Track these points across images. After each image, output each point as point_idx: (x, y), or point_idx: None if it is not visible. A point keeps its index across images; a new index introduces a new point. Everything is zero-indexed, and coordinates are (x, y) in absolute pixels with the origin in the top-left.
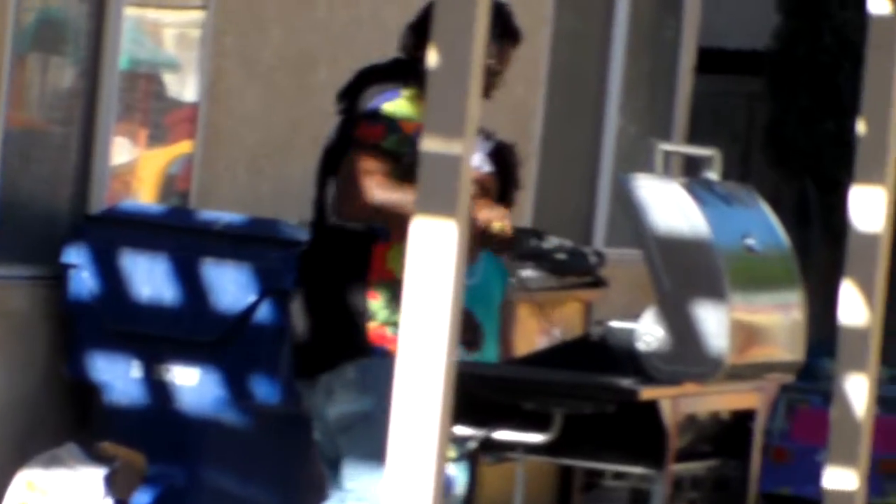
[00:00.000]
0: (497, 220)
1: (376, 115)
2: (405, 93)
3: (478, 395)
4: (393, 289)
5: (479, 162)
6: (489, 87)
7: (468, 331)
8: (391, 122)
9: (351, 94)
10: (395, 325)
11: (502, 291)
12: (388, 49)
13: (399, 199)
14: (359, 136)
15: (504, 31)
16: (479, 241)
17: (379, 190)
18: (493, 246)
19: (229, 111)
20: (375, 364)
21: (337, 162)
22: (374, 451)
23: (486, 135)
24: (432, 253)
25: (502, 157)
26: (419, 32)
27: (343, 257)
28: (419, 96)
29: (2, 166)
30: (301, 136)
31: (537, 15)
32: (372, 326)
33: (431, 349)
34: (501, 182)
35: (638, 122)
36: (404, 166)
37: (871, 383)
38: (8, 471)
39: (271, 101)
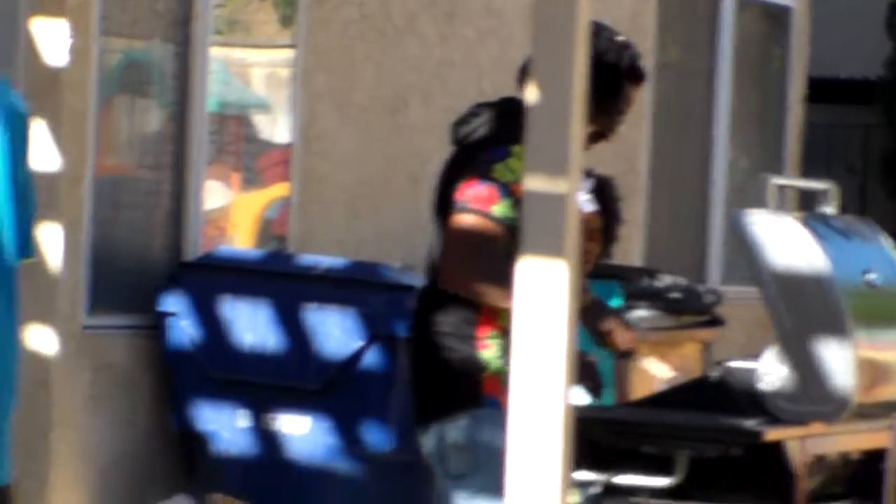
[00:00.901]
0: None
1: (486, 176)
2: (515, 149)
3: (598, 439)
4: (506, 339)
5: (581, 201)
6: (611, 129)
7: (589, 378)
8: (502, 186)
9: (464, 125)
10: (508, 374)
11: None
12: (482, 87)
13: (503, 286)
14: (467, 197)
15: (630, 72)
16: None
17: (485, 276)
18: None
19: (324, 152)
20: (487, 414)
21: (447, 199)
22: (483, 501)
23: (586, 172)
24: (541, 294)
25: (604, 193)
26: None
27: (456, 305)
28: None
29: (93, 214)
30: (398, 176)
31: (639, 47)
32: (485, 376)
33: (547, 393)
34: (605, 219)
35: (748, 156)
36: (515, 233)
37: None
38: None
39: (366, 141)
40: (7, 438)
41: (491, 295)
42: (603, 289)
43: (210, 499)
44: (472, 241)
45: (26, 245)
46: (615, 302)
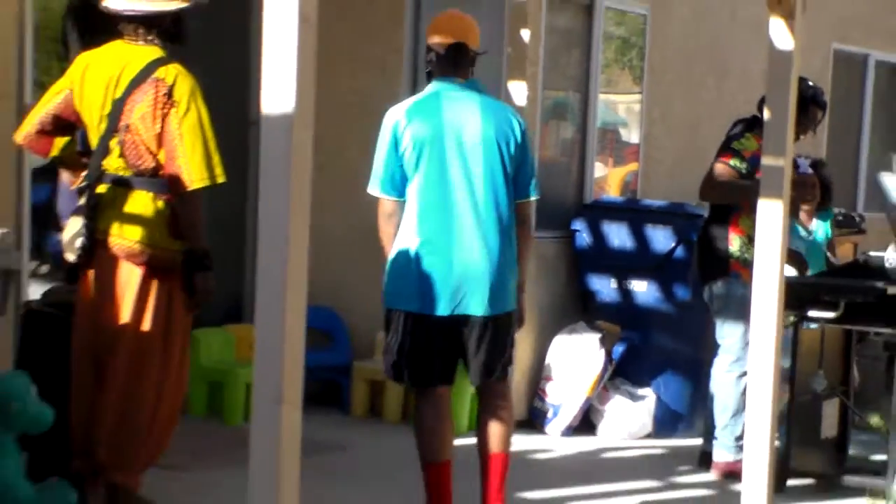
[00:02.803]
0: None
1: (729, 147)
2: (747, 134)
3: (800, 292)
4: (743, 239)
5: (804, 167)
6: (804, 133)
7: (797, 263)
8: (735, 151)
9: (730, 131)
10: (745, 260)
11: (826, 241)
12: (741, 112)
13: (725, 193)
14: (720, 157)
15: (814, 101)
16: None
17: (715, 188)
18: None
19: (657, 148)
20: (732, 282)
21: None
22: (731, 323)
23: (805, 156)
24: (770, 217)
25: (816, 167)
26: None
27: (718, 222)
28: (755, 137)
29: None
30: (697, 163)
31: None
32: (731, 260)
33: (771, 270)
34: (820, 178)
35: None
36: (743, 175)
37: None
38: (548, 336)
39: (680, 147)
40: (512, 283)
41: (713, 198)
42: (825, 213)
43: (597, 324)
44: (713, 174)
45: (531, 189)
46: (826, 217)
